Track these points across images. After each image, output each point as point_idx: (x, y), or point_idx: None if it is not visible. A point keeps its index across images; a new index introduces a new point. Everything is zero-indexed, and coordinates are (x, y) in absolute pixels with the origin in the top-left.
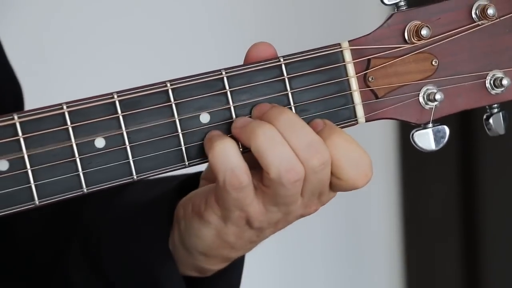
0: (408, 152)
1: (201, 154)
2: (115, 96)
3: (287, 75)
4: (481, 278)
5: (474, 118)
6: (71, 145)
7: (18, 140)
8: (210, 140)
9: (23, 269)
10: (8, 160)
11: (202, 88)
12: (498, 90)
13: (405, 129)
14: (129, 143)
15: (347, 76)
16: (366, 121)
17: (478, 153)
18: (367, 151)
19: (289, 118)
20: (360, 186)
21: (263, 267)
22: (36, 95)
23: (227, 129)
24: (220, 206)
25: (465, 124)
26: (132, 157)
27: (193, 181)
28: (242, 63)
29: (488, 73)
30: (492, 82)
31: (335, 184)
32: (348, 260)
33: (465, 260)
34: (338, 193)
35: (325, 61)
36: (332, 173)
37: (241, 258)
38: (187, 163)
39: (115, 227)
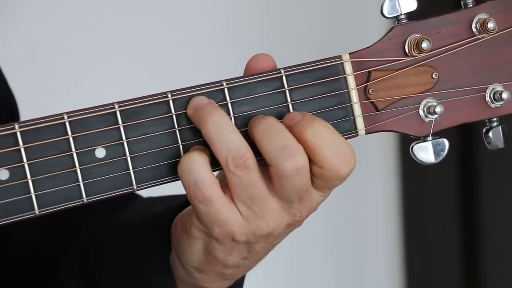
0: (408, 152)
1: None
2: (116, 107)
3: (288, 86)
4: (481, 277)
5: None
6: (72, 155)
7: (19, 149)
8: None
9: (17, 275)
10: (8, 169)
11: None
12: (498, 104)
13: None
14: (130, 154)
15: (348, 88)
16: (366, 133)
17: (478, 153)
18: (367, 151)
19: (268, 123)
20: (343, 174)
21: (263, 266)
22: (37, 104)
23: None
24: (200, 222)
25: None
26: (133, 168)
27: None
28: (242, 74)
29: (488, 87)
30: (492, 95)
31: (318, 175)
32: (348, 260)
33: (465, 260)
34: (338, 192)
35: (326, 73)
36: (314, 163)
37: (239, 280)
38: None
39: (115, 242)
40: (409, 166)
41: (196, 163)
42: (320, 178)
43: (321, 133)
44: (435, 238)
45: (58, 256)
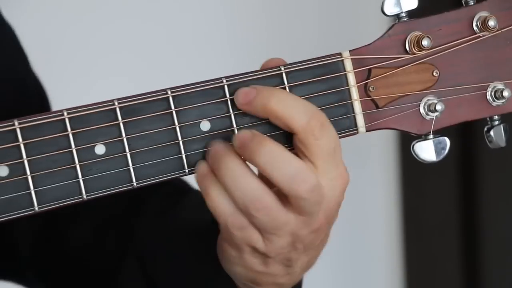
0: (408, 152)
1: None
2: (116, 103)
3: (288, 84)
4: (481, 277)
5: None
6: (71, 152)
7: (19, 146)
8: (202, 183)
9: (75, 277)
10: (8, 165)
11: (203, 96)
12: (499, 102)
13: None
14: (129, 150)
15: (348, 86)
16: (366, 131)
17: (478, 152)
18: (367, 150)
19: (270, 152)
20: (316, 131)
21: None
22: None
23: (227, 137)
24: (232, 244)
25: (465, 124)
26: (132, 164)
27: None
28: (241, 70)
29: (489, 85)
30: (493, 93)
31: (301, 145)
32: (348, 260)
33: (465, 260)
34: None
35: (326, 70)
36: (290, 131)
37: (298, 284)
38: (187, 171)
39: (172, 248)
40: (409, 166)
41: (226, 199)
42: (304, 148)
43: (283, 99)
44: (435, 238)
45: (118, 261)
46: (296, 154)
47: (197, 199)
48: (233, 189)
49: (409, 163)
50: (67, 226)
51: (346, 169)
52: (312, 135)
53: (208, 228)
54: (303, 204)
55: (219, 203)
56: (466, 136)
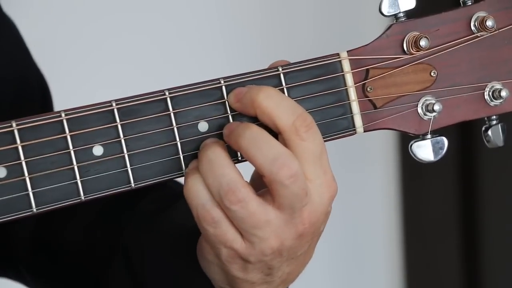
0: (408, 152)
1: None
2: (114, 104)
3: (286, 84)
4: (481, 277)
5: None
6: (69, 153)
7: (16, 147)
8: (186, 174)
9: (68, 275)
10: (6, 167)
11: (201, 97)
12: (497, 102)
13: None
14: (127, 151)
15: (346, 86)
16: (364, 131)
17: (477, 153)
18: (367, 150)
19: (253, 133)
20: (301, 132)
21: None
22: None
23: None
24: (208, 243)
25: (464, 124)
26: (130, 165)
27: None
28: (238, 71)
29: (487, 85)
30: (491, 93)
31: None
32: (347, 260)
33: (465, 260)
34: (338, 192)
35: (324, 71)
36: (275, 130)
37: None
38: (184, 172)
39: (160, 250)
40: (409, 167)
41: (202, 184)
42: (289, 148)
43: (271, 95)
44: (435, 238)
45: (108, 257)
46: None
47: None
48: (209, 176)
49: (409, 164)
50: (62, 225)
51: (334, 179)
52: (297, 135)
53: (196, 230)
54: (283, 194)
55: (192, 191)
56: (465, 137)
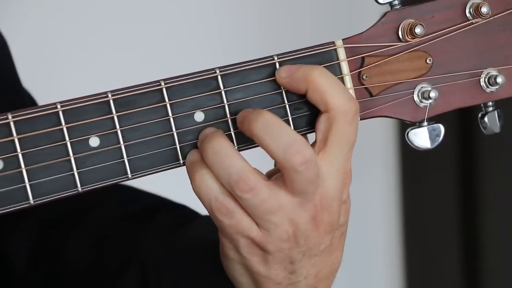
0: (408, 152)
1: None
2: (109, 95)
3: None
4: (481, 277)
5: (473, 116)
6: (66, 145)
7: (13, 140)
8: (190, 168)
9: None
10: (2, 159)
11: (196, 87)
12: (493, 88)
13: (405, 128)
14: (124, 142)
15: (341, 74)
16: (360, 119)
17: (478, 152)
18: (367, 150)
19: (265, 120)
20: (350, 117)
21: None
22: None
23: (222, 127)
24: (225, 236)
25: (464, 122)
26: (127, 156)
27: None
28: (234, 61)
29: (482, 71)
30: (486, 80)
31: (328, 123)
32: (347, 260)
33: (465, 260)
34: None
35: (319, 60)
36: (322, 107)
37: None
38: (181, 162)
39: (177, 264)
40: (409, 167)
41: (211, 178)
42: (329, 127)
43: (326, 74)
44: (435, 237)
45: (119, 272)
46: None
47: (207, 222)
48: (217, 168)
49: (409, 164)
50: (62, 241)
51: (351, 171)
52: (346, 118)
53: (217, 242)
54: (296, 178)
55: (202, 186)
56: (466, 137)
